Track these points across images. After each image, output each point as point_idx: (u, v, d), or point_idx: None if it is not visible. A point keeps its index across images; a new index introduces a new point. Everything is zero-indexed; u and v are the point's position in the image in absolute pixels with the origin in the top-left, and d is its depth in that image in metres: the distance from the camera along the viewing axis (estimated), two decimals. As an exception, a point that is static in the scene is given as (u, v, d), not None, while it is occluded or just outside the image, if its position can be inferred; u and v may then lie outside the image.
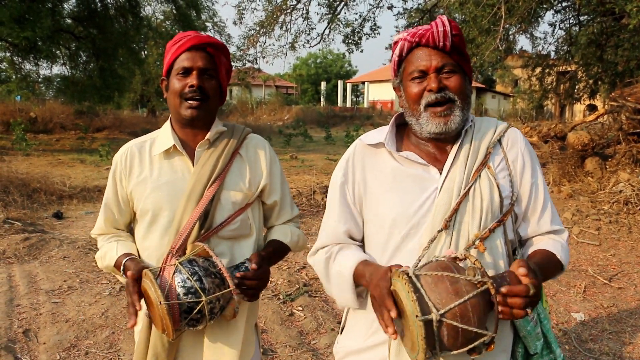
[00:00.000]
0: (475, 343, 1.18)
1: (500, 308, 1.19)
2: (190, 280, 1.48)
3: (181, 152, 1.73)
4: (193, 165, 1.74)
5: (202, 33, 1.78)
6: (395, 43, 1.50)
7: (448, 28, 1.42)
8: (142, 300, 1.58)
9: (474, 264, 1.22)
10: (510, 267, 1.29)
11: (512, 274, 1.25)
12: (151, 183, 1.71)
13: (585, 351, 3.67)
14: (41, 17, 14.32)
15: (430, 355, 1.18)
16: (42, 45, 15.40)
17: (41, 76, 19.58)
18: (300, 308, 4.25)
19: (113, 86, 18.84)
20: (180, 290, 1.47)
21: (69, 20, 18.41)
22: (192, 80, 1.67)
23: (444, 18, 1.44)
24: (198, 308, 1.48)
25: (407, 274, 1.20)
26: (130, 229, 1.87)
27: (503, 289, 1.19)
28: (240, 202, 1.75)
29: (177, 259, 1.55)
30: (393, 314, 1.22)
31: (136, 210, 1.76)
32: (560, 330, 3.98)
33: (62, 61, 18.90)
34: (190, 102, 1.68)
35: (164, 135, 1.77)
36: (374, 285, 1.32)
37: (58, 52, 18.09)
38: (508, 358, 1.45)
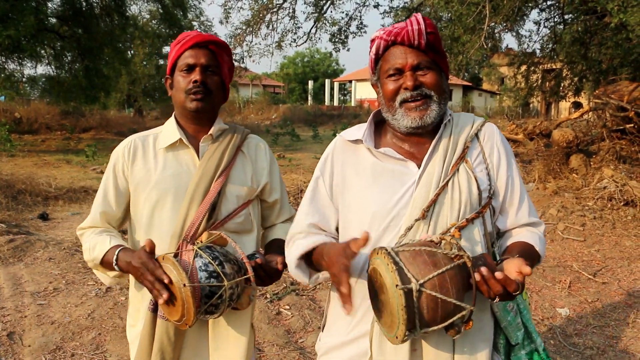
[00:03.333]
0: (454, 318, 1.21)
1: (477, 276, 1.22)
2: (213, 265, 1.47)
3: (187, 145, 1.77)
4: (198, 159, 1.77)
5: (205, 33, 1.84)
6: (372, 41, 1.52)
7: (423, 26, 1.43)
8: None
9: (449, 241, 1.26)
10: (510, 261, 1.30)
11: (488, 256, 1.29)
12: (156, 175, 1.74)
13: (569, 346, 3.71)
14: (24, 15, 14.13)
15: (409, 333, 1.20)
16: (25, 44, 15.19)
17: (25, 76, 19.38)
18: (288, 307, 4.26)
19: (99, 86, 18.64)
20: (202, 274, 1.46)
21: (53, 20, 18.19)
22: (196, 76, 1.72)
23: (419, 16, 1.45)
24: (219, 293, 1.47)
25: (386, 250, 1.24)
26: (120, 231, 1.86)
27: (498, 274, 1.21)
28: (244, 197, 1.80)
29: (194, 245, 1.55)
30: (344, 289, 1.26)
31: (136, 203, 1.76)
32: (546, 326, 4.02)
33: (46, 61, 18.67)
34: (194, 95, 1.73)
35: (169, 130, 1.81)
36: (332, 262, 1.34)
37: (42, 51, 17.85)
38: (490, 349, 1.47)
